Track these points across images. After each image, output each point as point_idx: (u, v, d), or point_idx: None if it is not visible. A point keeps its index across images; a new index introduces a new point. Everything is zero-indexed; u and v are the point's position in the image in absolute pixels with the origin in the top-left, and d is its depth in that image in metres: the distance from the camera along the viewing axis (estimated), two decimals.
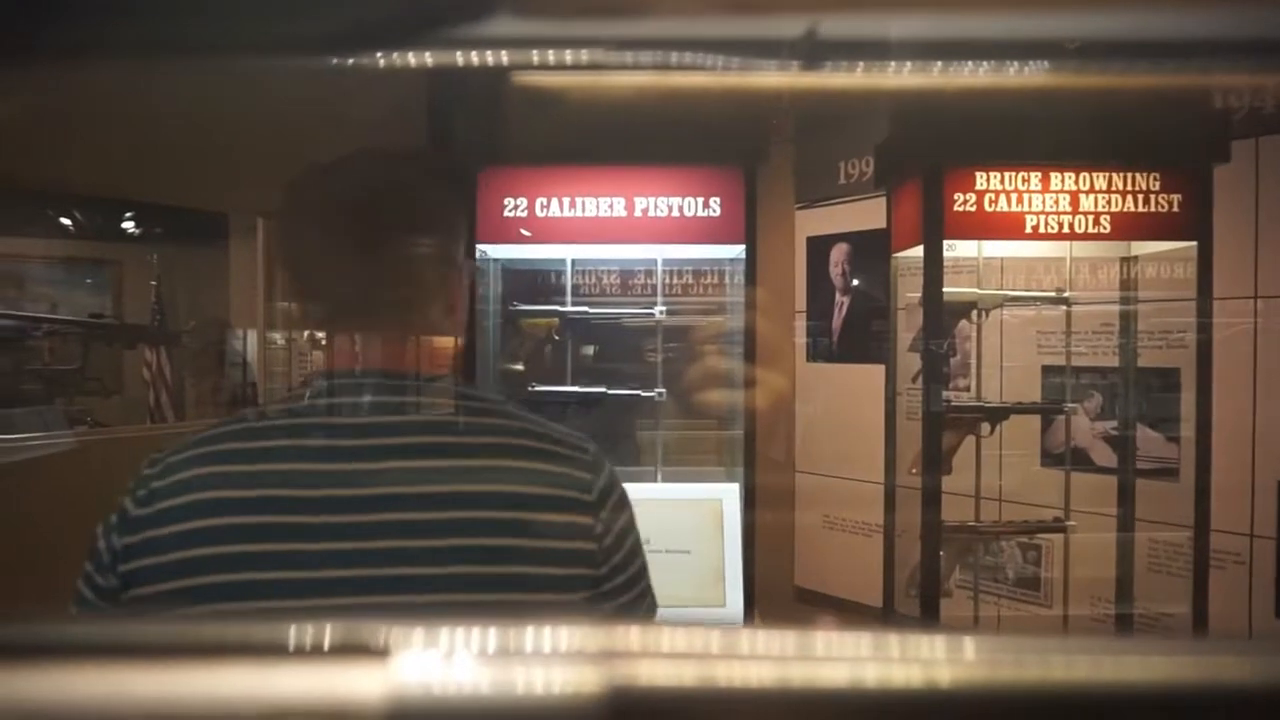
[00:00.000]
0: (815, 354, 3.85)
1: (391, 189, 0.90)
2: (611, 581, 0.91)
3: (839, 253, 3.79)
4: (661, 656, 0.23)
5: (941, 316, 2.06)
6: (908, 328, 2.67)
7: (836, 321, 3.81)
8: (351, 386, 0.87)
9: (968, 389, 2.84)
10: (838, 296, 3.83)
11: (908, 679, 0.24)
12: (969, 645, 0.25)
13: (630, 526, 0.97)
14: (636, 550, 0.97)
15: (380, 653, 0.22)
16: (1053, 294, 2.24)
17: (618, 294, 2.36)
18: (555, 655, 0.22)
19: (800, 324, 3.87)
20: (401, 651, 0.22)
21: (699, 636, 0.23)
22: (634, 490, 2.08)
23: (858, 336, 3.68)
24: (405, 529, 0.80)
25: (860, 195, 3.54)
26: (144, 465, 0.88)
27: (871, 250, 3.47)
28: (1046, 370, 3.08)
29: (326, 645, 0.22)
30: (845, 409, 3.56)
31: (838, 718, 0.23)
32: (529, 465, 0.87)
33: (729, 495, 2.20)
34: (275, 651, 0.22)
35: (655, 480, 2.29)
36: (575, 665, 0.22)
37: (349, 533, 0.79)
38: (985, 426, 2.16)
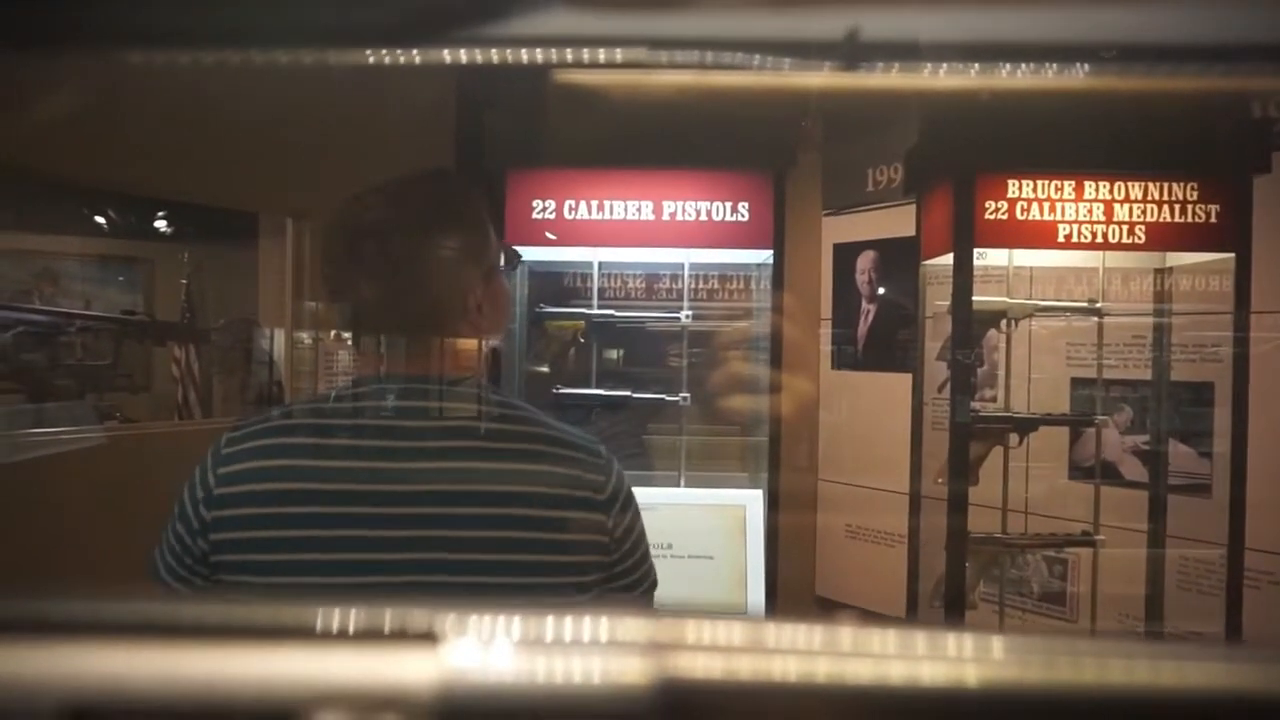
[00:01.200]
0: (840, 362, 3.82)
1: (414, 212, 1.01)
2: (621, 566, 1.07)
3: (866, 260, 3.76)
4: (708, 649, 0.22)
5: (971, 326, 2.03)
6: (935, 336, 2.65)
7: (862, 329, 3.78)
8: (382, 391, 1.01)
9: (994, 399, 2.81)
10: (864, 304, 3.80)
11: (946, 676, 0.24)
12: (998, 644, 0.24)
13: (636, 520, 1.11)
14: (641, 539, 1.13)
15: (431, 638, 0.22)
16: (1085, 304, 2.20)
17: (644, 298, 2.36)
18: (604, 645, 0.22)
19: (825, 331, 3.85)
20: (452, 638, 0.22)
21: (747, 630, 0.23)
22: (657, 495, 2.09)
23: (883, 344, 3.65)
24: (440, 521, 0.94)
25: (888, 202, 3.51)
26: (223, 445, 1.00)
27: (899, 258, 3.44)
28: (1075, 382, 3.04)
29: (379, 629, 0.22)
30: (869, 417, 3.53)
31: (879, 713, 0.23)
32: (547, 468, 0.99)
33: (753, 501, 2.19)
34: (327, 635, 0.21)
35: (678, 485, 2.28)
36: (624, 656, 0.22)
37: (395, 523, 0.94)
38: (1013, 438, 2.14)
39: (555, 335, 2.21)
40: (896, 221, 3.33)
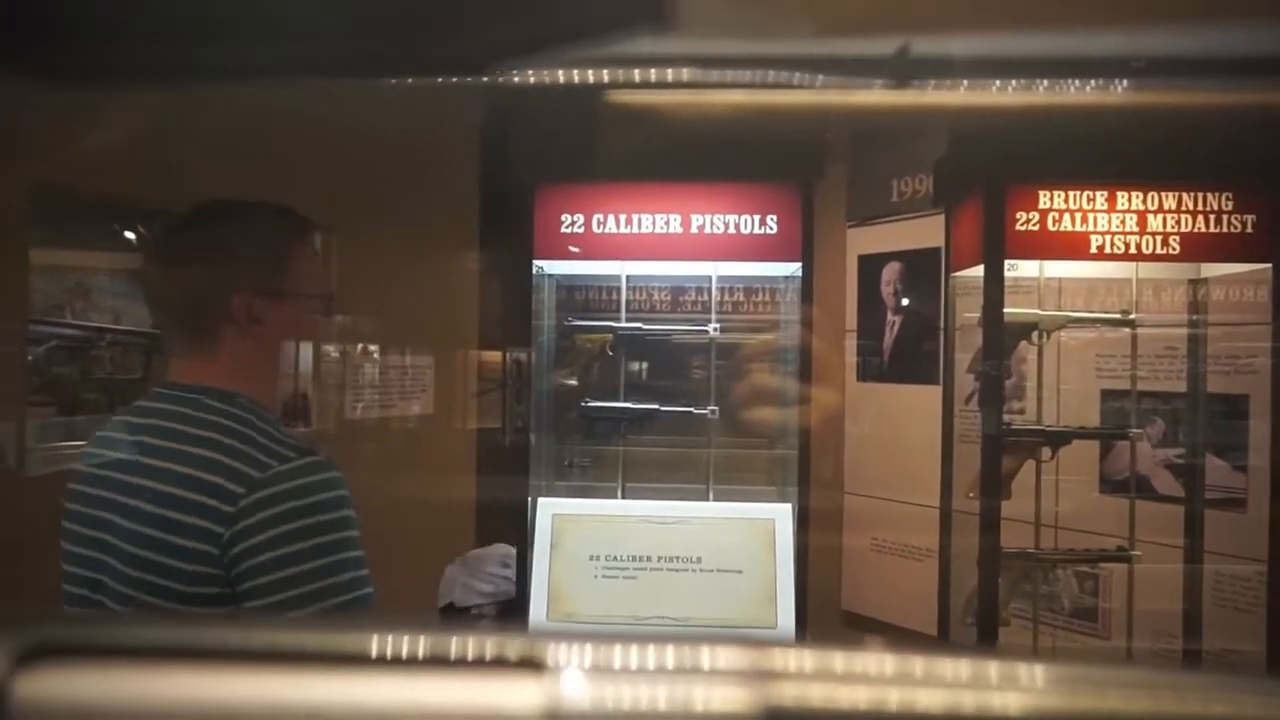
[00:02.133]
0: (865, 374, 3.80)
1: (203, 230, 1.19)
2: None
3: (891, 271, 3.74)
4: (810, 678, 0.22)
5: (1002, 338, 2.01)
6: (963, 348, 2.62)
7: (887, 341, 3.76)
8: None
9: (1022, 412, 2.78)
10: (889, 316, 3.78)
11: (1044, 709, 0.23)
12: (1132, 674, 0.24)
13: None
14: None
15: (535, 666, 0.22)
16: (1118, 316, 2.18)
17: (671, 310, 2.36)
18: (709, 674, 0.22)
19: (850, 343, 3.82)
20: (558, 666, 0.22)
21: (850, 659, 0.23)
22: (686, 509, 2.10)
23: (909, 356, 3.62)
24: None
25: (913, 213, 3.50)
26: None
27: (924, 269, 3.42)
28: (1105, 394, 3.00)
29: (483, 657, 0.22)
30: (895, 430, 3.50)
31: None
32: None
33: (781, 515, 2.17)
34: (433, 661, 0.21)
35: (706, 498, 2.27)
36: (729, 684, 0.22)
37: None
38: (1045, 451, 2.11)
39: (583, 348, 2.21)
40: (921, 233, 3.31)
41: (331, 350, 3.72)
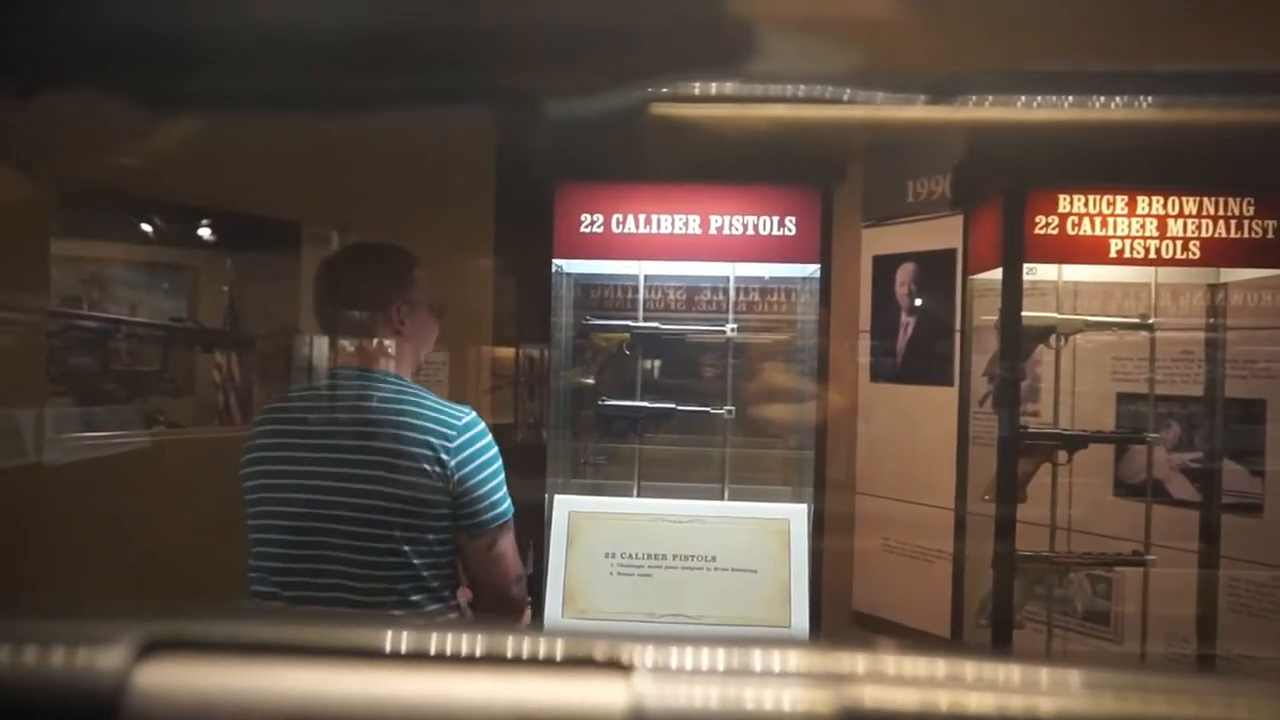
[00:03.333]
0: (878, 374, 3.80)
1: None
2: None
3: (905, 272, 3.74)
4: (891, 681, 0.23)
5: (1020, 341, 2.02)
6: (979, 350, 2.62)
7: (901, 342, 3.76)
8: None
9: (1036, 414, 2.78)
10: (903, 317, 3.77)
11: (1124, 713, 0.24)
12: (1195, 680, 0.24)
13: None
14: None
15: (622, 668, 0.23)
16: (1136, 320, 2.18)
17: (689, 310, 2.37)
18: (789, 675, 0.23)
19: (864, 344, 3.82)
20: (642, 667, 0.23)
21: (925, 664, 0.24)
22: (702, 508, 2.12)
23: (923, 357, 3.62)
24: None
25: (929, 215, 3.49)
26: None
27: (938, 270, 3.42)
28: (1121, 398, 2.99)
29: (572, 657, 0.23)
30: (908, 431, 3.50)
31: None
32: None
33: (796, 515, 2.18)
34: (524, 660, 0.22)
35: (721, 497, 2.28)
36: (808, 686, 0.23)
37: None
38: (1062, 454, 2.11)
39: (601, 347, 2.22)
40: (937, 234, 3.31)
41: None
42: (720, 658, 0.23)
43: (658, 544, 2.16)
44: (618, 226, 2.03)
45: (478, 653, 0.22)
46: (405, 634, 0.22)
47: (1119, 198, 1.97)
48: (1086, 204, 1.98)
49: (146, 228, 4.79)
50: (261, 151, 2.89)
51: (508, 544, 1.65)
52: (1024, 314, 2.02)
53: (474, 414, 1.62)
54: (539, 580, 2.13)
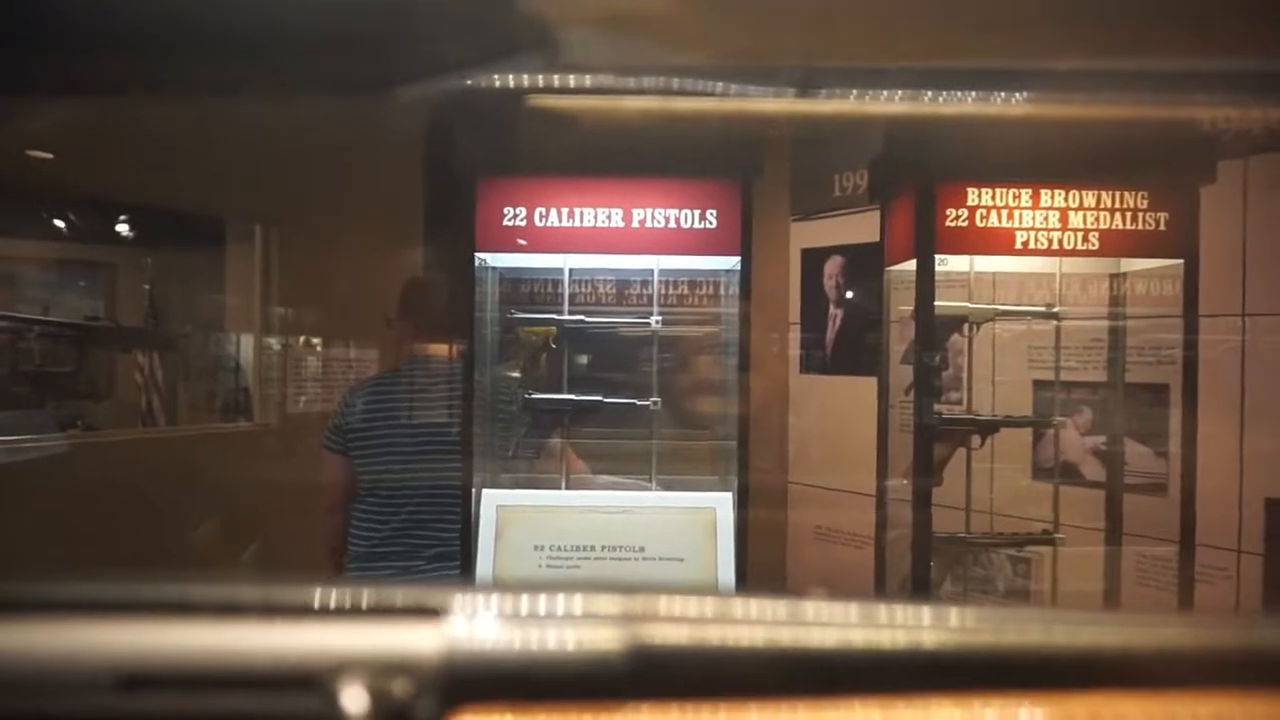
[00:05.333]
0: (808, 366, 3.87)
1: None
2: None
3: (833, 265, 3.82)
4: (675, 620, 0.25)
5: (934, 330, 2.08)
6: (900, 340, 2.70)
7: (830, 334, 3.84)
8: None
9: (959, 402, 2.86)
10: (831, 309, 3.85)
11: (886, 642, 0.26)
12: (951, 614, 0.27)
13: None
14: None
15: (435, 613, 0.24)
16: (1042, 309, 2.27)
17: (614, 303, 2.38)
18: (581, 618, 0.24)
19: (794, 335, 3.89)
20: (452, 612, 0.24)
21: (709, 603, 0.25)
22: (629, 498, 2.13)
23: (851, 348, 3.70)
24: None
25: (854, 208, 3.57)
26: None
27: (866, 263, 3.50)
28: (1038, 385, 3.11)
29: (390, 605, 0.24)
30: (837, 420, 3.58)
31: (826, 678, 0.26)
32: None
33: (723, 504, 2.21)
34: (345, 610, 0.24)
35: (650, 488, 2.30)
36: (599, 627, 0.24)
37: None
38: (976, 439, 2.19)
39: (526, 340, 2.22)
40: (863, 227, 3.38)
41: (273, 343, 3.66)
42: (525, 602, 0.25)
43: (586, 536, 2.17)
44: (540, 220, 2.03)
45: (296, 603, 0.24)
46: (220, 588, 0.23)
47: (1024, 191, 2.04)
48: (994, 197, 2.05)
49: (60, 223, 4.61)
50: (182, 144, 2.82)
51: None
52: (938, 304, 2.09)
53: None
54: (469, 576, 2.13)
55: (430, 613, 0.24)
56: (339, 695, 0.22)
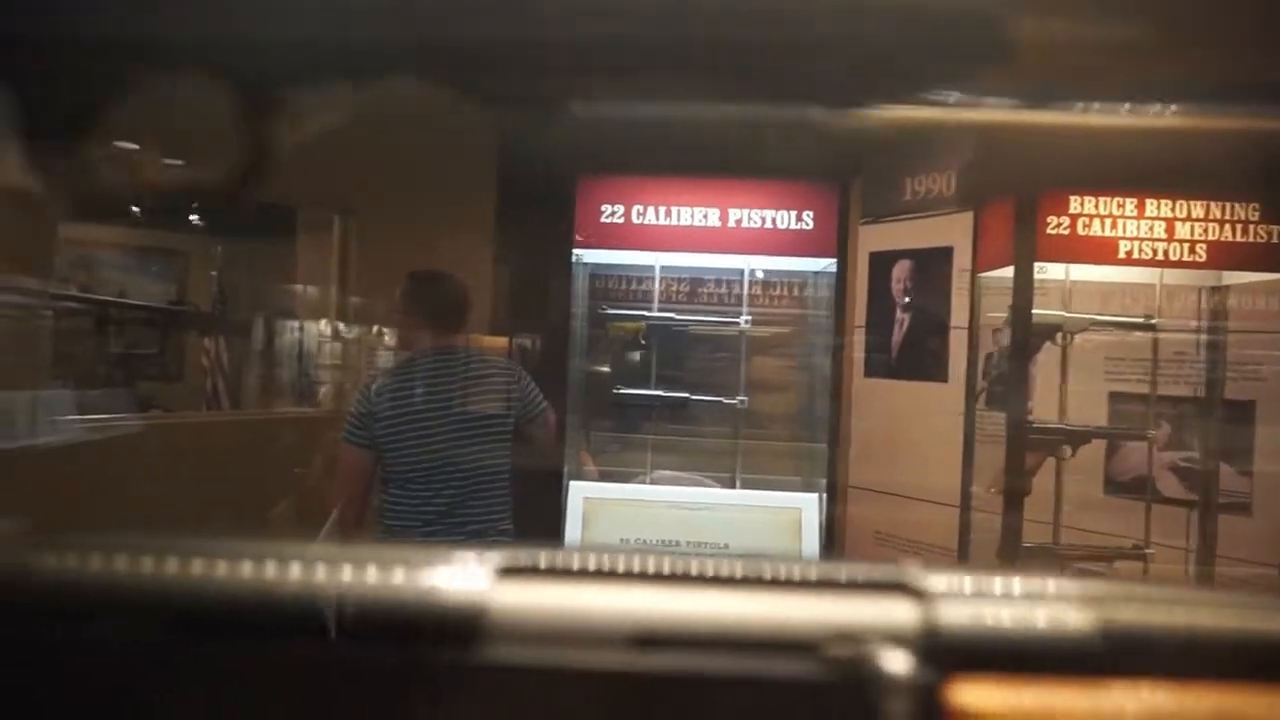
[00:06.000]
0: (872, 370, 3.85)
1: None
2: None
3: (901, 269, 3.79)
4: (1138, 600, 0.26)
5: (1029, 338, 2.06)
6: (970, 347, 2.67)
7: (896, 337, 3.81)
8: None
9: (1029, 411, 2.82)
10: (898, 313, 3.82)
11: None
12: None
13: None
14: None
15: (911, 589, 0.26)
16: (1140, 320, 2.23)
17: (704, 302, 2.39)
18: (1050, 598, 0.26)
19: (860, 339, 3.87)
20: (931, 588, 0.26)
21: (1163, 589, 0.27)
22: (714, 495, 2.16)
23: (917, 353, 3.67)
24: None
25: (926, 212, 3.54)
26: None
27: (934, 267, 3.47)
28: (1113, 397, 3.05)
29: (862, 580, 0.26)
30: (901, 425, 3.55)
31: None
32: None
33: (808, 504, 2.22)
34: (842, 585, 0.25)
35: (733, 486, 2.31)
36: (1068, 607, 0.26)
37: None
38: (1066, 449, 2.16)
39: (616, 336, 2.24)
40: (932, 231, 3.35)
41: (346, 331, 3.72)
42: (1001, 583, 0.26)
43: (671, 530, 2.18)
44: (638, 217, 2.05)
45: (778, 576, 0.26)
46: (710, 561, 0.25)
47: (1128, 200, 2.02)
48: (1098, 206, 2.02)
49: (137, 211, 4.72)
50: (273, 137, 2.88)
51: None
52: (1034, 312, 2.07)
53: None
54: None
55: (907, 589, 0.26)
56: (856, 659, 0.24)
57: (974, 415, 2.41)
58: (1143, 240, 2.03)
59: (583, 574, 0.26)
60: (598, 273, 2.38)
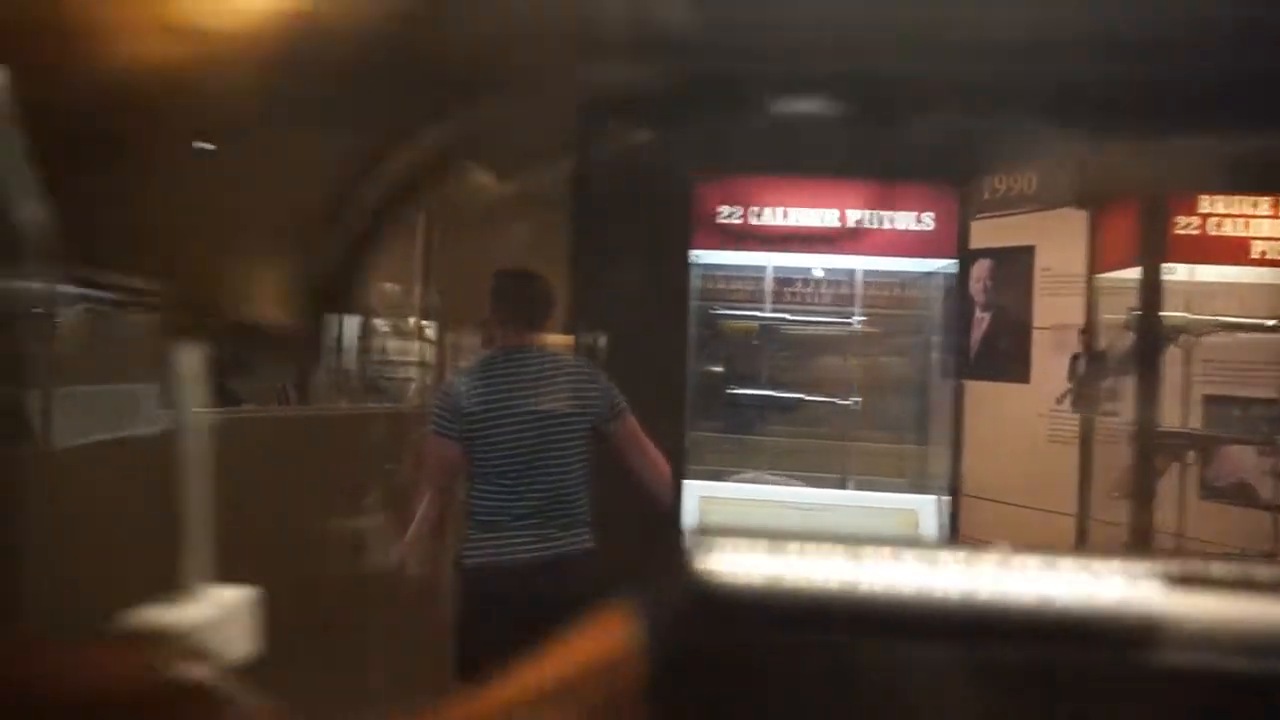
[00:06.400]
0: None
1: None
2: None
3: (981, 269, 3.75)
4: None
5: (1157, 340, 2.03)
6: (1060, 350, 2.62)
7: (975, 337, 3.77)
8: None
9: (1116, 414, 2.75)
10: (977, 313, 3.78)
11: None
12: None
13: None
14: None
15: None
16: (1268, 320, 2.19)
17: (816, 302, 2.39)
18: None
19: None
20: None
21: None
22: (830, 496, 2.15)
23: (997, 354, 3.63)
24: None
25: (1008, 211, 3.50)
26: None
27: (1015, 267, 3.43)
28: (1208, 400, 2.99)
29: None
30: (982, 427, 3.51)
31: None
32: None
33: (925, 506, 2.21)
34: None
35: (844, 487, 2.31)
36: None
37: None
38: (1190, 454, 2.13)
39: (729, 336, 2.25)
40: (1014, 231, 3.31)
41: (426, 328, 3.76)
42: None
43: (791, 529, 2.19)
44: (755, 218, 2.05)
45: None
46: None
47: (1261, 200, 1.98)
48: (1228, 206, 1.99)
49: None
50: None
51: None
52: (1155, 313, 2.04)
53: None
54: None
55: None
56: None
57: (1094, 420, 2.38)
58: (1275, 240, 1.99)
59: (1244, 584, 0.27)
60: (710, 273, 2.39)
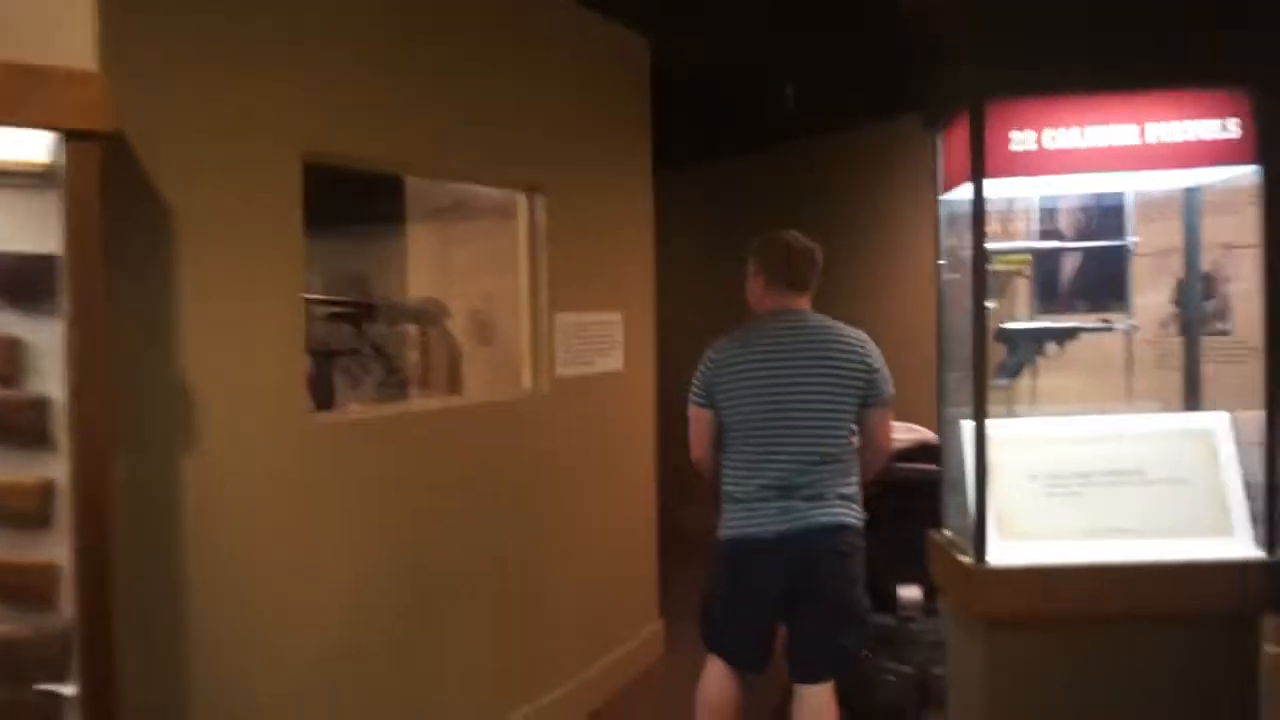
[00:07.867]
0: None
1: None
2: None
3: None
4: None
5: None
6: (1162, 274, 2.46)
7: (1065, 272, 3.70)
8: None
9: (1224, 333, 2.59)
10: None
11: None
12: None
13: None
14: None
15: None
16: None
17: (1086, 227, 2.34)
18: None
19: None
20: None
21: None
22: (1119, 423, 2.06)
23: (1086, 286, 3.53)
24: None
25: None
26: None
27: None
28: None
29: None
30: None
31: None
32: None
33: (1220, 423, 2.17)
34: None
35: (1124, 411, 2.27)
36: None
37: None
38: None
39: (999, 270, 2.21)
40: None
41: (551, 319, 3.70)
42: None
43: (1081, 462, 2.15)
44: (1050, 142, 2.01)
45: None
46: None
47: None
48: None
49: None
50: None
51: None
52: None
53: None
54: (963, 506, 2.14)
55: None
56: None
57: None
58: None
59: None
60: (955, 209, 2.34)
